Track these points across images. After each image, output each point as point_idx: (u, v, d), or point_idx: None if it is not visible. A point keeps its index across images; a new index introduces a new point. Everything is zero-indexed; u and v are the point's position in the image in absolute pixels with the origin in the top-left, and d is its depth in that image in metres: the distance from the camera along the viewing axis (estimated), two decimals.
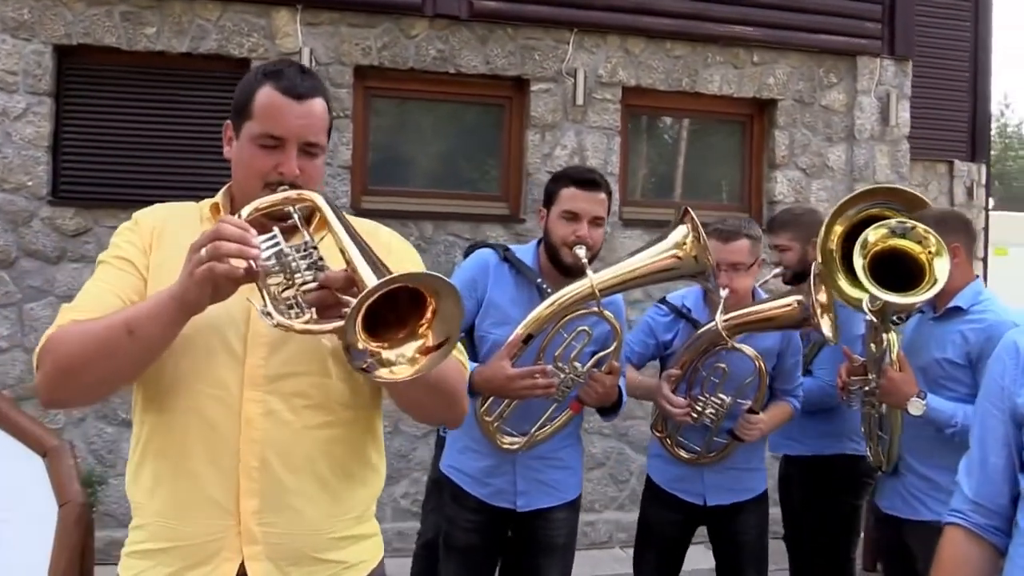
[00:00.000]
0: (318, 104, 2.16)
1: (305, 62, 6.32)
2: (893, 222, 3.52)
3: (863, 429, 3.86)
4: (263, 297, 1.83)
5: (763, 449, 4.09)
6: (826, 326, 3.80)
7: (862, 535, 6.14)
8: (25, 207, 6.05)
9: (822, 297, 3.84)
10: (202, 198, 2.27)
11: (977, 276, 3.64)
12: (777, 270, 4.53)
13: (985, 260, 11.70)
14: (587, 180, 3.45)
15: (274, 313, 1.81)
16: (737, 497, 3.97)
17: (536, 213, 3.56)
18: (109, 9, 6.21)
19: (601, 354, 3.38)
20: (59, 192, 6.23)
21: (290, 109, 2.10)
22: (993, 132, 52.31)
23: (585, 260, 3.30)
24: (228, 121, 2.21)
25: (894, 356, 3.51)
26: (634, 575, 4.16)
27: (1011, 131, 52.07)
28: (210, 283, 1.82)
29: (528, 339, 3.27)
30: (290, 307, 1.85)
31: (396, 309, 1.77)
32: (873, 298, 3.44)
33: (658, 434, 4.00)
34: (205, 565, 2.05)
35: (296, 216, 2.03)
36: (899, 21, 7.62)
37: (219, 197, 2.24)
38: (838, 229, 4.01)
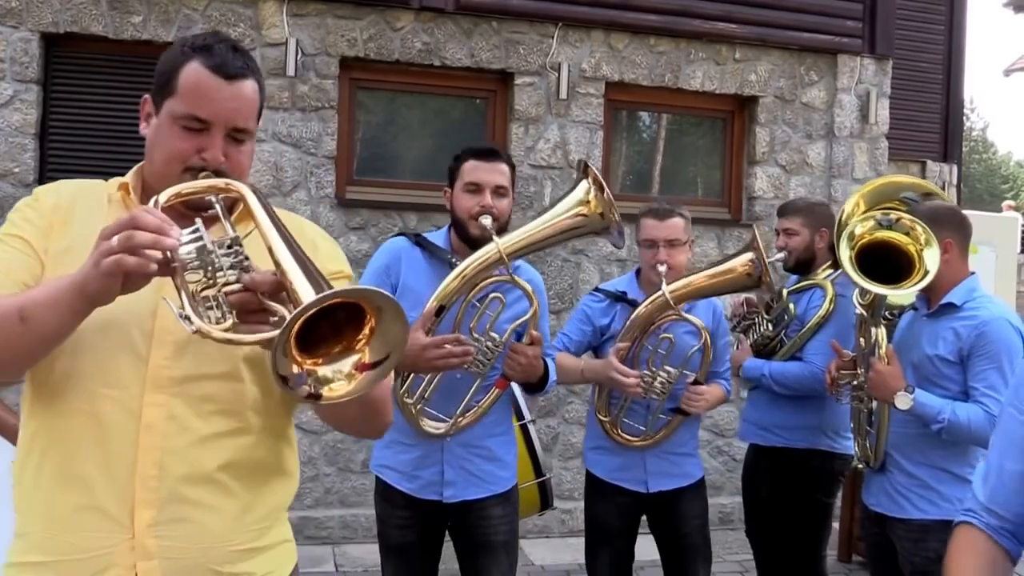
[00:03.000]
0: (249, 86, 1.96)
1: (291, 53, 6.37)
2: (879, 214, 3.57)
3: (852, 424, 3.86)
4: (180, 298, 1.65)
5: (697, 435, 4.13)
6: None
7: (836, 527, 6.25)
8: (12, 194, 6.06)
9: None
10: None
11: (973, 272, 3.60)
12: (780, 255, 4.57)
13: None
14: (487, 151, 3.46)
15: (193, 317, 1.63)
16: (678, 483, 4.01)
17: (443, 195, 3.54)
18: None
19: (517, 322, 3.35)
20: (46, 179, 6.22)
21: (219, 90, 1.91)
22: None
23: (492, 229, 3.26)
24: (147, 96, 2.00)
25: (882, 351, 3.52)
26: (588, 572, 4.15)
27: (976, 135, 52.58)
28: (118, 276, 1.63)
29: (440, 311, 3.22)
30: (209, 308, 1.67)
31: (332, 320, 1.59)
32: (863, 291, 3.49)
33: (602, 418, 3.99)
34: None
35: (219, 207, 1.86)
36: (880, 20, 7.70)
37: (129, 177, 2.04)
38: (862, 205, 4.04)
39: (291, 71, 6.41)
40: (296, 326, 1.51)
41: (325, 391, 1.61)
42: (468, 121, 7.30)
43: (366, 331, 1.63)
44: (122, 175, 2.06)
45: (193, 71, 1.91)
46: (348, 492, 6.62)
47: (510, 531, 3.55)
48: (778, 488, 4.42)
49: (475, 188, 3.36)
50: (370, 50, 6.67)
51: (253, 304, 1.68)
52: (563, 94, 6.91)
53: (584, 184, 3.39)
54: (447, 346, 3.17)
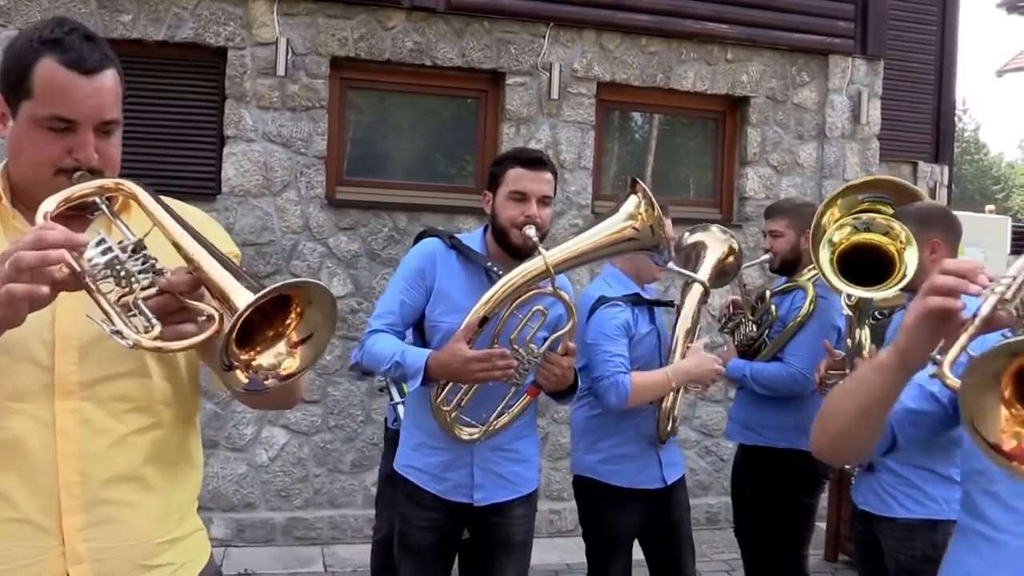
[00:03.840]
0: (110, 76, 1.87)
1: (281, 52, 6.35)
2: (852, 219, 3.57)
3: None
4: (107, 314, 1.63)
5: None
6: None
7: (825, 526, 6.25)
8: None
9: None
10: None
11: None
12: (766, 256, 4.60)
13: None
14: (534, 160, 3.40)
15: (125, 331, 1.61)
16: (680, 472, 4.05)
17: (483, 198, 3.50)
18: None
19: (556, 335, 3.32)
20: None
21: (80, 87, 1.82)
22: None
23: (536, 239, 3.26)
24: None
25: (866, 352, 3.53)
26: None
27: (967, 136, 52.81)
28: (20, 301, 1.59)
29: (484, 321, 3.19)
30: (132, 316, 1.65)
31: (260, 310, 1.62)
32: (848, 294, 3.50)
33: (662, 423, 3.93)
34: None
35: (105, 208, 1.83)
36: (871, 21, 7.70)
37: None
38: (836, 213, 4.05)
39: (281, 71, 6.39)
40: (236, 330, 1.56)
41: (282, 372, 1.68)
42: (459, 121, 7.28)
43: (293, 316, 1.68)
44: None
45: (48, 69, 1.81)
46: (337, 493, 6.60)
47: (528, 531, 3.59)
48: (762, 487, 4.44)
49: (521, 197, 3.33)
50: (361, 50, 6.64)
51: (172, 305, 1.68)
52: (554, 94, 6.90)
53: (634, 199, 3.37)
54: (493, 360, 3.16)
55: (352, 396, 6.60)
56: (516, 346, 3.26)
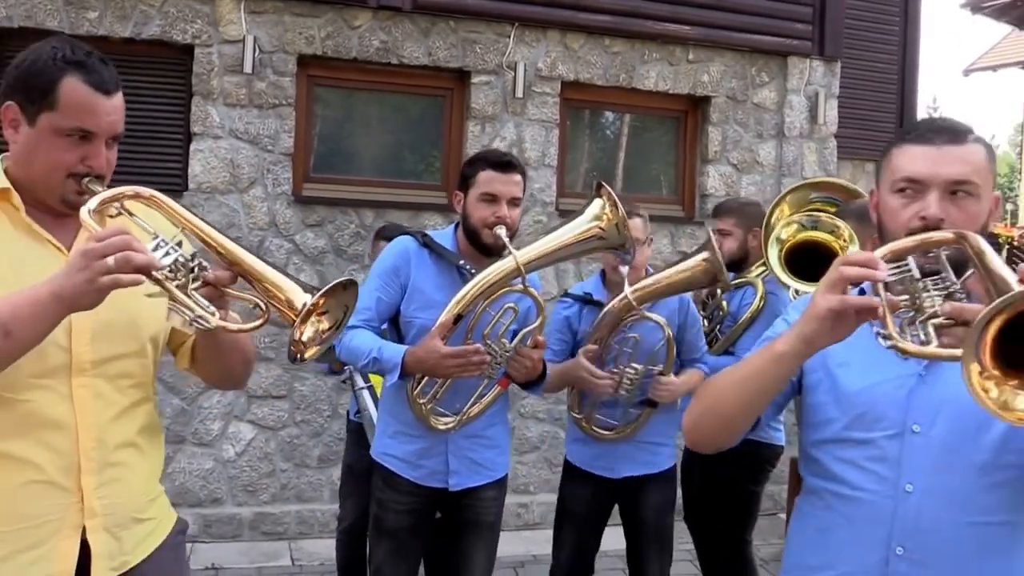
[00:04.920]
0: (120, 97, 2.18)
1: (248, 50, 6.40)
2: (801, 218, 3.71)
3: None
4: (179, 303, 1.95)
5: (673, 428, 4.21)
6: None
7: (783, 517, 6.37)
8: None
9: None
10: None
11: None
12: None
13: None
14: (504, 162, 3.54)
15: (207, 317, 1.96)
16: (647, 469, 4.14)
17: (454, 198, 3.63)
18: None
19: (526, 330, 3.48)
20: None
21: (101, 105, 2.11)
22: None
23: (506, 239, 3.41)
24: (11, 103, 2.14)
25: None
26: (552, 554, 4.30)
27: None
28: (109, 291, 1.89)
29: (458, 319, 3.34)
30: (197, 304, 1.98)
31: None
32: (796, 290, 3.62)
33: (576, 415, 4.14)
34: (41, 546, 2.10)
35: (120, 210, 2.12)
36: (829, 23, 7.86)
37: (3, 180, 2.17)
38: (786, 210, 4.18)
39: (248, 68, 6.43)
40: (310, 317, 2.01)
41: (323, 337, 2.12)
42: (425, 119, 7.34)
43: (320, 301, 2.05)
44: None
45: (73, 87, 2.09)
46: (304, 488, 6.66)
47: (498, 512, 3.78)
48: (710, 476, 4.57)
49: (491, 199, 3.48)
50: (328, 48, 6.70)
51: (215, 295, 2.02)
52: (519, 93, 6.99)
53: (599, 201, 3.51)
54: (468, 356, 3.32)
55: (319, 391, 6.67)
56: (489, 341, 3.42)
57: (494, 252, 3.48)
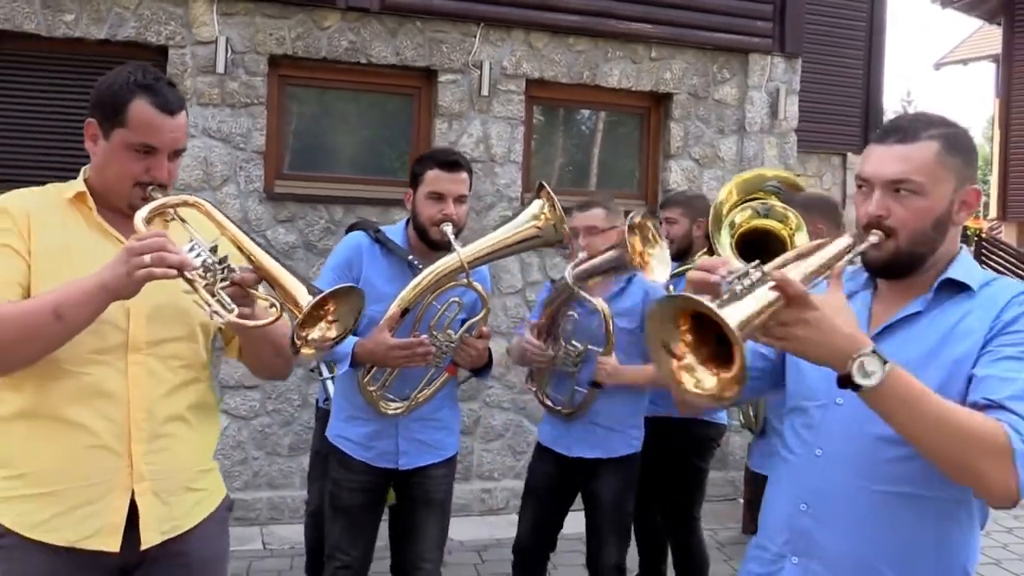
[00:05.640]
0: (183, 116, 2.51)
1: (221, 51, 6.58)
2: (756, 203, 3.92)
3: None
4: (202, 299, 2.25)
5: (632, 416, 4.42)
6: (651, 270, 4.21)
7: (741, 501, 6.60)
8: None
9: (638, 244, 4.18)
10: None
11: None
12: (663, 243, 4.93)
13: None
14: (450, 162, 3.73)
15: (222, 312, 2.23)
16: (599, 454, 4.34)
17: (405, 196, 3.86)
18: None
19: (471, 321, 3.72)
20: None
21: (164, 124, 2.44)
22: None
23: (452, 236, 3.61)
24: (91, 120, 2.48)
25: None
26: (517, 528, 4.57)
27: None
28: (146, 281, 2.20)
29: (405, 312, 3.57)
30: (218, 301, 2.26)
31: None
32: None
33: (531, 388, 4.43)
34: (96, 503, 2.41)
35: (174, 215, 2.45)
36: (789, 20, 8.04)
37: (80, 186, 2.52)
38: (734, 195, 4.37)
39: (221, 68, 6.62)
40: (305, 314, 2.27)
41: (326, 342, 2.43)
42: (394, 117, 7.53)
43: (331, 305, 2.38)
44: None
45: (141, 108, 2.41)
46: (276, 475, 6.87)
47: (448, 490, 3.98)
48: (660, 454, 4.73)
49: (438, 197, 3.68)
50: (298, 48, 6.89)
51: (239, 294, 2.29)
52: (485, 91, 7.19)
53: (538, 202, 3.75)
54: (413, 349, 3.55)
55: (289, 382, 6.85)
56: (435, 333, 3.64)
57: (441, 248, 3.67)
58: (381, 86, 7.31)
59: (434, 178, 3.70)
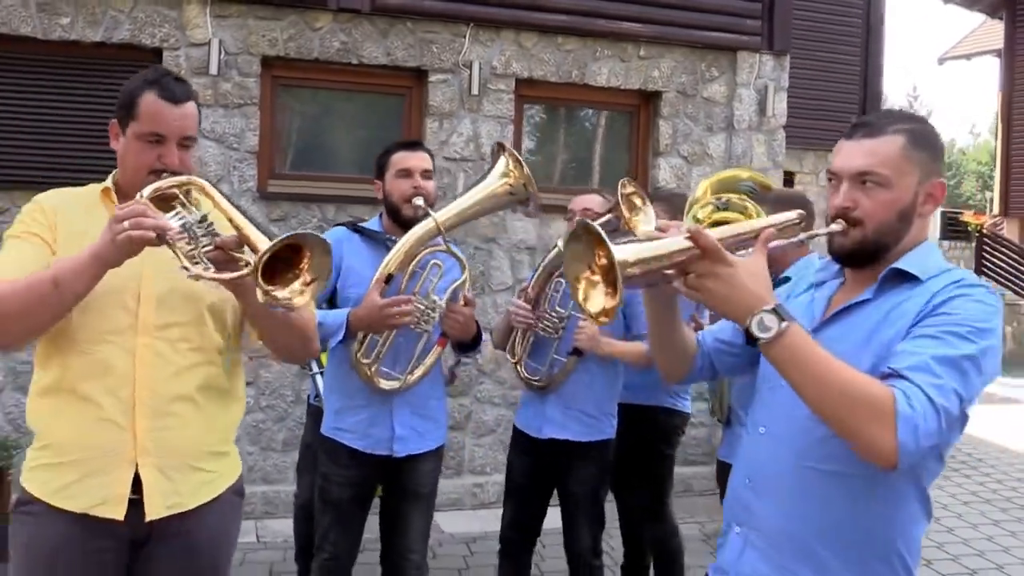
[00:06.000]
0: (191, 106, 2.68)
1: (215, 53, 6.70)
2: (713, 198, 4.04)
3: (708, 385, 4.36)
4: (179, 256, 2.35)
5: (606, 401, 4.51)
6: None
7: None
8: None
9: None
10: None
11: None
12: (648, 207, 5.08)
13: None
14: (411, 143, 4.15)
15: (189, 267, 2.33)
16: (571, 435, 4.42)
17: (374, 187, 4.13)
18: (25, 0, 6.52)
19: (454, 285, 3.90)
20: None
21: (171, 113, 2.62)
22: None
23: (424, 207, 3.85)
24: (113, 120, 2.70)
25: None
26: (502, 519, 4.68)
27: None
28: (128, 245, 2.32)
29: (389, 278, 3.76)
30: (196, 263, 2.37)
31: (281, 257, 2.32)
32: None
33: (511, 359, 4.50)
34: (105, 474, 2.60)
35: (181, 196, 2.55)
36: (777, 18, 8.11)
37: (109, 182, 2.76)
38: (708, 195, 4.49)
39: (214, 70, 6.74)
40: (262, 263, 2.26)
41: (294, 304, 2.38)
42: (385, 117, 7.64)
43: (304, 261, 2.37)
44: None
45: (149, 100, 2.61)
46: (270, 470, 7.00)
47: (434, 483, 4.17)
48: (629, 441, 4.82)
49: (406, 173, 3.94)
50: (290, 49, 7.00)
51: (223, 258, 2.42)
52: (475, 90, 7.30)
53: (503, 160, 3.96)
54: (400, 306, 3.71)
55: (283, 378, 6.99)
56: (420, 297, 3.82)
57: (416, 223, 3.86)
58: (373, 86, 7.42)
59: (400, 158, 3.99)
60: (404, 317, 3.73)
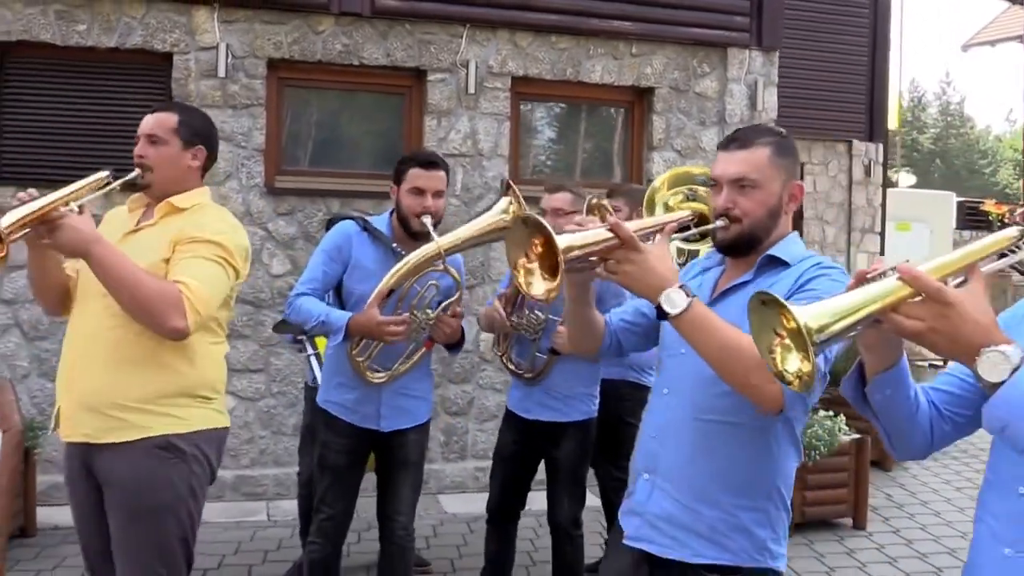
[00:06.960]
0: (161, 115, 3.63)
1: (222, 56, 7.04)
2: (686, 188, 4.35)
3: None
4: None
5: (587, 384, 4.80)
6: None
7: None
8: None
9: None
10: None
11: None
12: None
13: (883, 234, 12.48)
14: (429, 162, 4.32)
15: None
16: (555, 417, 4.76)
17: (391, 190, 4.35)
18: (44, 8, 6.85)
19: (446, 302, 4.23)
20: (2, 174, 6.92)
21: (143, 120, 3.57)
22: (935, 110, 52.78)
23: (430, 227, 4.16)
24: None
25: None
26: (489, 490, 5.03)
27: (952, 109, 52.48)
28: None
29: (390, 293, 4.08)
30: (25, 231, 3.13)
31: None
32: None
33: (498, 353, 4.87)
34: (60, 400, 3.42)
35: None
36: (766, 15, 8.33)
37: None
38: (666, 186, 4.78)
39: (222, 72, 7.08)
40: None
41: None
42: (386, 115, 7.97)
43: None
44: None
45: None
46: (281, 453, 7.33)
47: (420, 453, 4.54)
48: (600, 415, 5.03)
49: (419, 192, 4.23)
50: (295, 52, 7.32)
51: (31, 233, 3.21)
52: (472, 89, 7.58)
53: (505, 199, 4.23)
54: (396, 326, 4.06)
55: (293, 365, 7.31)
56: (415, 311, 4.17)
57: (421, 237, 4.20)
58: (374, 86, 7.74)
59: (415, 175, 4.25)
60: (398, 336, 4.08)
